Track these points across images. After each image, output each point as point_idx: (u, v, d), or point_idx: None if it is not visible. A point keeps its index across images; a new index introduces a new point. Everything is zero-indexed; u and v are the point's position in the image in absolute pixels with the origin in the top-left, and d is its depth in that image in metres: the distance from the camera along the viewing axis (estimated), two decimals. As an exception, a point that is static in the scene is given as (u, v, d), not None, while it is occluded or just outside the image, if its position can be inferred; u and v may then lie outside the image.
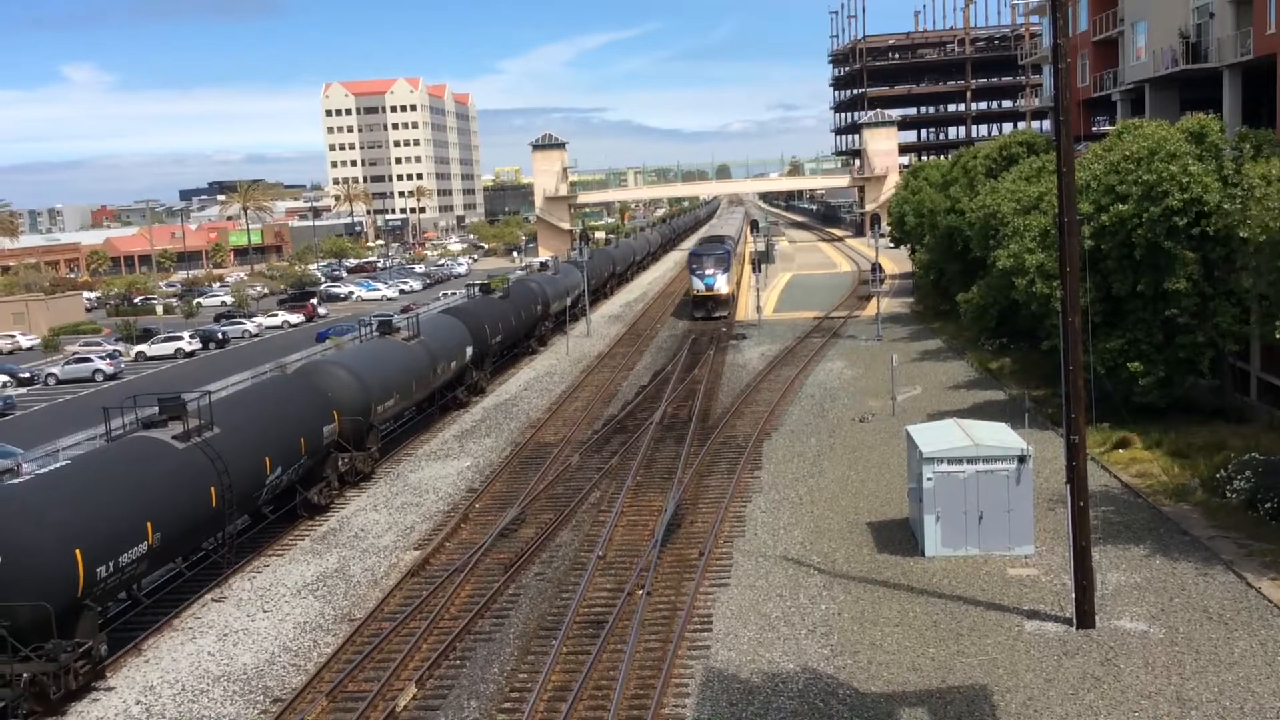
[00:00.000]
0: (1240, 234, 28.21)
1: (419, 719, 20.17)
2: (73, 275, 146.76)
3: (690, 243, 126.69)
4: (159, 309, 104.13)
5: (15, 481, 24.74)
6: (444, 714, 20.25)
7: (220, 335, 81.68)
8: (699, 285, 71.96)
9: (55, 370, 68.14)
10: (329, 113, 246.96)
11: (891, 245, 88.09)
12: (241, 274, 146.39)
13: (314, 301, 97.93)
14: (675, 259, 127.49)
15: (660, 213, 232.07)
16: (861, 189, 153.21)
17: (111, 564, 22.34)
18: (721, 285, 71.58)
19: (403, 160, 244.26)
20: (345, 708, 20.62)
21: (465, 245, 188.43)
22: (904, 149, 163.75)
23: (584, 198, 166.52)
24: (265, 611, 25.74)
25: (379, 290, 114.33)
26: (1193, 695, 18.95)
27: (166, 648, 24.05)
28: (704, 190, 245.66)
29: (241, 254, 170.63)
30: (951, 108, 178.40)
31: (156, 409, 27.31)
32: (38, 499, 21.93)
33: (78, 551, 21.36)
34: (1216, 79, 43.79)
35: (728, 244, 77.33)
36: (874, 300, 66.44)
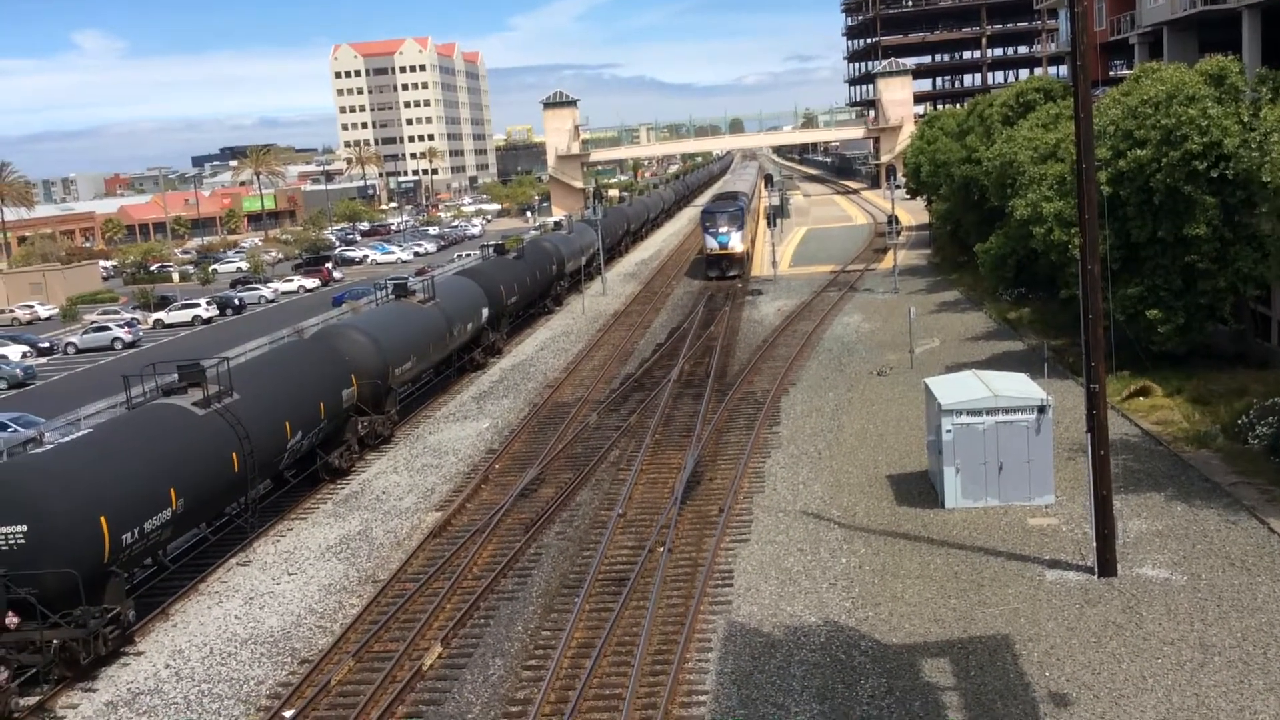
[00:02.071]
0: (1262, 178, 27.83)
1: (445, 677, 20.37)
2: (88, 244, 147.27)
3: (704, 199, 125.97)
4: (175, 276, 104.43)
5: (39, 451, 24.96)
6: (469, 672, 20.44)
7: (237, 301, 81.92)
8: (712, 244, 70.61)
9: (74, 339, 68.56)
10: (338, 75, 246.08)
11: (907, 196, 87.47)
12: (256, 239, 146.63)
13: (329, 266, 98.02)
14: (689, 215, 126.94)
15: (673, 169, 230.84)
16: (876, 140, 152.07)
17: (136, 530, 22.54)
18: (736, 243, 70.15)
19: (413, 121, 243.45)
20: (372, 668, 20.83)
21: (476, 207, 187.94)
22: (919, 98, 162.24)
23: (596, 155, 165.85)
24: (290, 574, 25.97)
25: (393, 253, 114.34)
26: (1215, 641, 18.96)
27: (194, 612, 24.31)
28: (717, 145, 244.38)
29: (255, 219, 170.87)
30: (967, 55, 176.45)
31: (176, 376, 27.43)
32: (61, 468, 22.11)
33: (103, 519, 21.55)
34: (1235, 20, 43.07)
35: (741, 200, 75.57)
36: (890, 252, 66.07)
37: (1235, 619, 19.68)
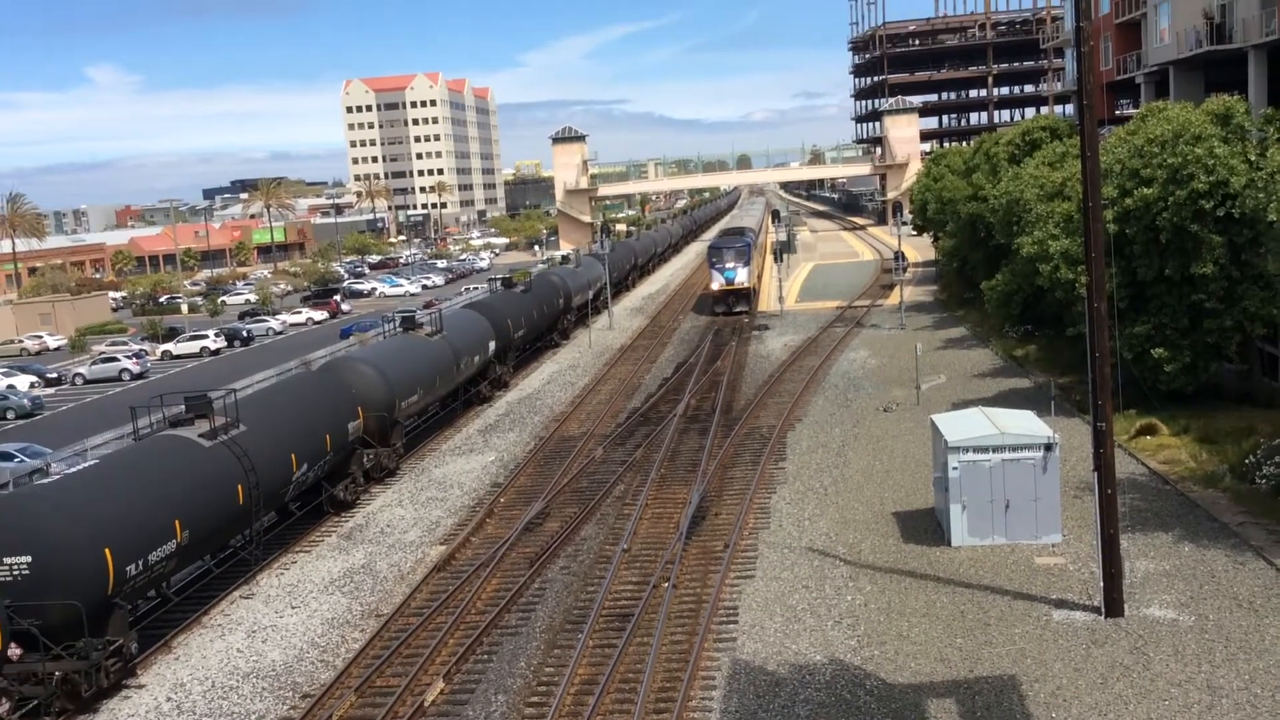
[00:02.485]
0: (1269, 217, 27.90)
1: (447, 714, 20.25)
2: (98, 275, 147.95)
3: (711, 234, 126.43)
4: (184, 308, 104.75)
5: (45, 481, 24.97)
6: (472, 708, 20.32)
7: (245, 333, 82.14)
8: (719, 279, 70.47)
9: (82, 370, 68.73)
10: (350, 109, 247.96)
11: (914, 233, 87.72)
12: (265, 272, 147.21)
13: (337, 298, 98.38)
14: (696, 250, 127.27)
15: (681, 204, 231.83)
16: (883, 177, 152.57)
17: (141, 562, 22.51)
18: (743, 278, 70.10)
19: (423, 156, 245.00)
20: (373, 703, 20.72)
21: (484, 241, 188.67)
22: (925, 135, 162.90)
23: (604, 190, 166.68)
24: (293, 608, 25.90)
25: (402, 286, 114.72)
26: (1223, 683, 18.80)
27: (196, 645, 24.23)
28: (724, 180, 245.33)
29: (265, 252, 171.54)
30: (973, 93, 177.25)
31: (183, 408, 27.49)
32: (67, 498, 22.12)
33: (107, 550, 21.54)
34: (1241, 59, 43.35)
35: (748, 236, 75.69)
36: (897, 289, 66.16)
37: (1243, 661, 19.52)
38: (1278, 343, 35.68)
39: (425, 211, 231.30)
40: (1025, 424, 26.67)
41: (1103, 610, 21.61)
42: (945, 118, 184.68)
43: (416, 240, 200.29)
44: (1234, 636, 20.41)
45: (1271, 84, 41.99)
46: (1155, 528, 26.00)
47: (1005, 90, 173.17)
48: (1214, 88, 46.53)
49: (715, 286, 70.99)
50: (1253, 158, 32.15)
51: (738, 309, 69.88)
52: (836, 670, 20.38)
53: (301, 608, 25.87)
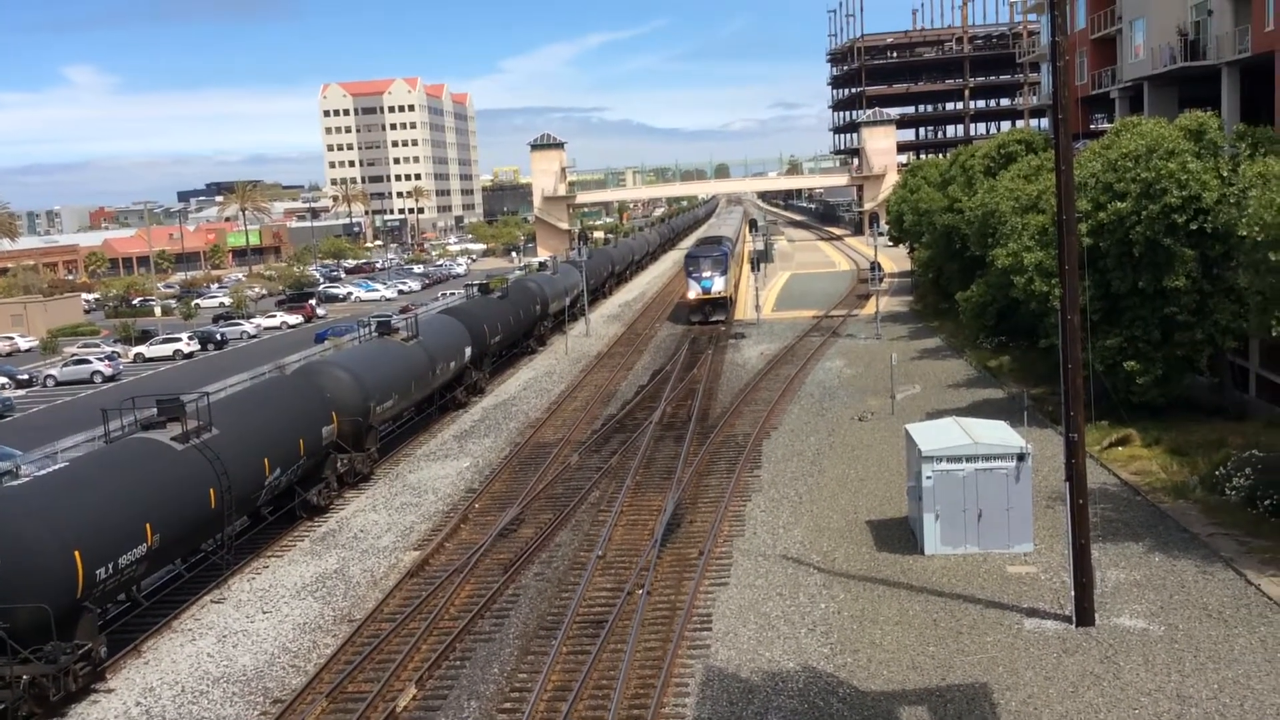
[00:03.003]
0: (1239, 232, 28.19)
1: (419, 719, 20.15)
2: (71, 277, 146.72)
3: (689, 242, 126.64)
4: (157, 310, 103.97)
5: (14, 483, 24.72)
6: (444, 714, 20.23)
7: (219, 336, 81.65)
8: (696, 288, 69.90)
9: (54, 372, 68.13)
10: (327, 113, 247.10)
11: (890, 244, 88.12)
12: (240, 275, 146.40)
13: (312, 302, 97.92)
14: (674, 258, 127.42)
15: (659, 212, 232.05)
16: (860, 188, 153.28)
17: (111, 566, 22.32)
18: (719, 288, 69.77)
19: (401, 160, 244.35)
20: (345, 709, 20.60)
21: (461, 247, 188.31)
22: (902, 147, 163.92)
23: (582, 197, 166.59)
24: (265, 613, 25.72)
25: (378, 291, 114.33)
26: (1192, 693, 18.95)
27: (166, 649, 24.03)
28: (702, 189, 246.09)
29: (240, 255, 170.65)
30: (950, 106, 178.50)
31: (155, 410, 27.28)
32: (37, 501, 21.91)
33: (77, 553, 21.34)
34: (1215, 76, 43.80)
35: (725, 245, 75.30)
36: (873, 299, 66.44)
37: (1212, 670, 19.68)
38: (1248, 356, 36.06)
39: (402, 217, 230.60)
40: (999, 434, 26.84)
41: (1074, 619, 21.75)
42: (922, 130, 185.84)
43: (393, 245, 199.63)
44: (1203, 646, 20.58)
45: (1244, 100, 42.44)
46: (1126, 538, 26.20)
47: (981, 103, 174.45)
48: (1188, 103, 47.00)
49: (692, 295, 70.60)
50: (1225, 173, 32.51)
51: (714, 318, 69.71)
52: (810, 677, 20.42)
53: (273, 612, 25.70)
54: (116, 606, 25.51)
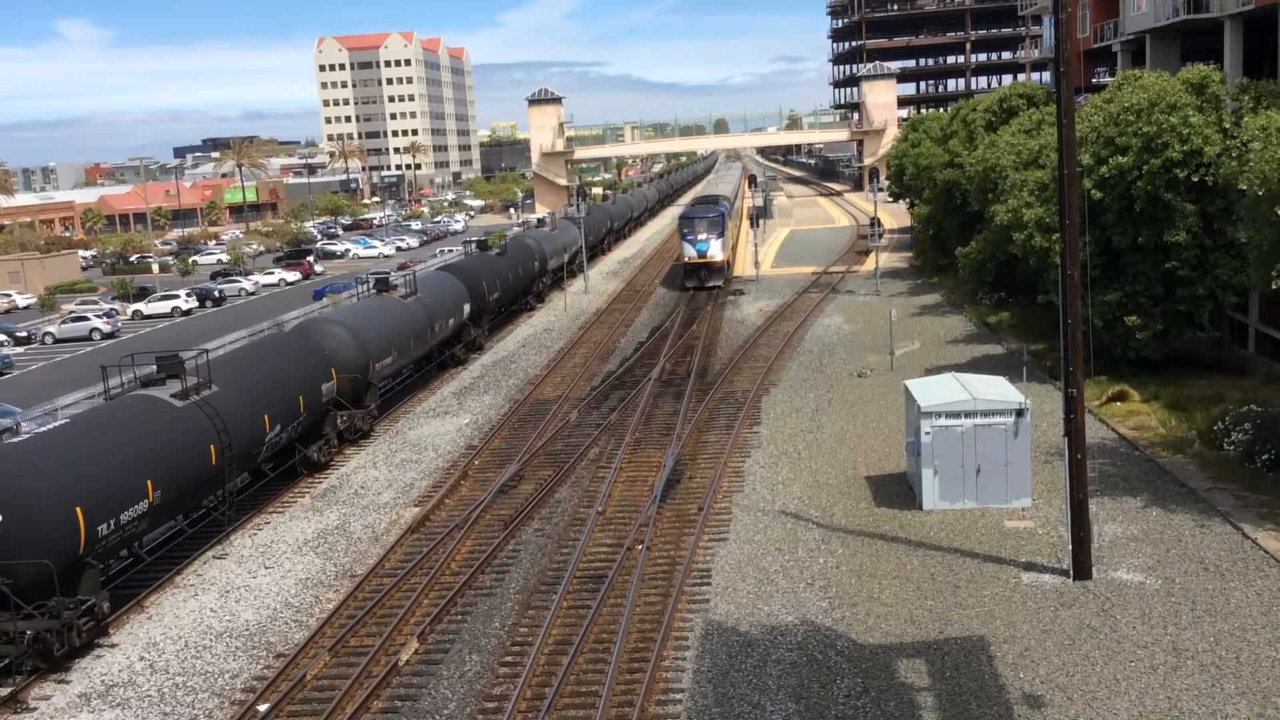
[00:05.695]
0: (1240, 186, 28.06)
1: (421, 673, 20.33)
2: (68, 234, 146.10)
3: (687, 198, 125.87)
4: (155, 267, 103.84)
5: (15, 440, 24.77)
6: (446, 667, 20.41)
7: (217, 293, 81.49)
8: (690, 251, 64.96)
9: (52, 329, 68.07)
10: (323, 68, 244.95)
11: (890, 199, 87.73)
12: (237, 232, 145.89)
13: (310, 259, 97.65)
14: (672, 214, 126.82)
15: (658, 168, 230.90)
16: (860, 143, 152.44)
17: (112, 521, 22.41)
18: (715, 251, 64.67)
19: (397, 116, 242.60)
20: (348, 662, 20.77)
21: (459, 203, 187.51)
22: (903, 102, 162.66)
23: (581, 153, 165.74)
24: (267, 568, 25.88)
25: (375, 247, 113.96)
26: (1189, 645, 19.11)
27: (169, 604, 24.19)
28: (701, 145, 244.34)
29: (237, 211, 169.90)
30: (951, 60, 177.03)
31: (155, 367, 27.28)
32: (38, 458, 21.96)
33: (78, 509, 21.42)
34: (1218, 29, 43.41)
35: (723, 205, 70.15)
36: (872, 255, 66.27)
37: (1208, 623, 19.83)
38: (1248, 311, 36.02)
39: (400, 173, 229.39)
40: (997, 390, 26.87)
41: (1071, 573, 21.89)
42: (923, 84, 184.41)
43: (391, 202, 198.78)
44: (1199, 600, 20.73)
45: (1246, 54, 42.09)
46: (1124, 492, 26.31)
47: (983, 57, 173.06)
48: (1190, 57, 46.62)
49: (686, 259, 65.92)
50: (1227, 126, 32.30)
51: (710, 284, 65.14)
52: (808, 631, 20.58)
53: (275, 568, 25.85)
54: (119, 562, 25.67)
